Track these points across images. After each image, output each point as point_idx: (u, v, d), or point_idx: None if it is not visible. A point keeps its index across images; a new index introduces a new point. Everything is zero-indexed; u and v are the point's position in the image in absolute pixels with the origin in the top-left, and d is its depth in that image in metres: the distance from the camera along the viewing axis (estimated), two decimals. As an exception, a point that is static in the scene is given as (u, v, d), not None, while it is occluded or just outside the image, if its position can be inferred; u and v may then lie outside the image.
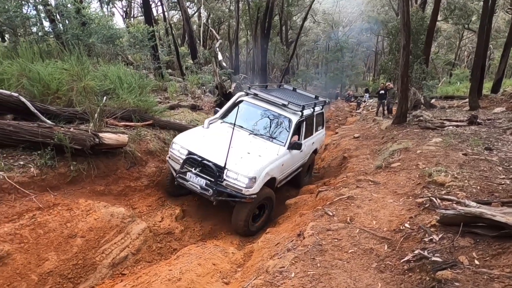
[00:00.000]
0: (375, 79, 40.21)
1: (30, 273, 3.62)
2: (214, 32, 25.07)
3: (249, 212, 5.44)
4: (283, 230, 5.09)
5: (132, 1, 25.83)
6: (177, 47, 18.25)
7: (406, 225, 3.53)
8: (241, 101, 6.87)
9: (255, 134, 6.22)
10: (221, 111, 6.83)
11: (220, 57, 19.24)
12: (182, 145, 5.58)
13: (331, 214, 4.21)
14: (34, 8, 12.44)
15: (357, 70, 41.29)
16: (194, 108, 11.13)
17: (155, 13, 22.72)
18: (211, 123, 6.55)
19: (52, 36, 11.96)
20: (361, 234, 3.53)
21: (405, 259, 2.86)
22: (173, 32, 20.38)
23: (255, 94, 6.88)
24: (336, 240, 3.45)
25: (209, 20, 28.11)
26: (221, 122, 6.61)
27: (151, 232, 5.12)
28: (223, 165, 5.07)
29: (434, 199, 3.86)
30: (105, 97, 6.49)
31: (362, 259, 3.05)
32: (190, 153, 5.43)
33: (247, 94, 7.05)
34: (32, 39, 11.14)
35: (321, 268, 2.93)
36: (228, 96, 12.10)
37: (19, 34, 11.79)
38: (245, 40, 35.67)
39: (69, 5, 11.85)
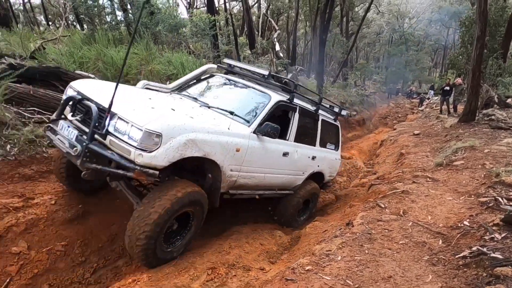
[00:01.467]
0: (442, 75, 37.30)
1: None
2: (273, 22, 25.09)
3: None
4: (331, 219, 5.08)
5: (196, -8, 26.81)
6: (236, 37, 18.62)
7: (465, 222, 3.33)
8: (212, 76, 4.93)
9: (209, 107, 3.98)
10: (176, 82, 4.73)
11: (277, 47, 19.24)
12: (78, 89, 3.44)
13: (383, 206, 4.11)
14: (108, -1, 13.55)
15: (422, 65, 38.58)
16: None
17: (216, 4, 23.35)
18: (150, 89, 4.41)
19: (123, 24, 12.92)
20: (414, 227, 3.41)
21: (461, 254, 2.73)
22: (233, 22, 20.81)
23: (229, 66, 5.06)
24: (386, 230, 3.38)
25: (268, 11, 28.17)
26: (171, 94, 4.50)
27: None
28: (107, 106, 2.92)
29: (500, 198, 3.59)
30: (168, 81, 6.92)
31: (413, 251, 2.97)
32: (78, 94, 3.37)
33: (226, 71, 5.17)
34: (106, 27, 12.17)
35: (369, 255, 2.91)
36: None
37: (95, 22, 12.97)
38: (303, 32, 35.18)
39: None
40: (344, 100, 16.89)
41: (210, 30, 14.00)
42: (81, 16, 12.96)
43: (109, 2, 13.31)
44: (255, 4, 28.90)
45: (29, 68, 5.24)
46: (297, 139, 4.67)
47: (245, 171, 3.82)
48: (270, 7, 28.14)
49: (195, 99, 4.25)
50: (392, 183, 5.28)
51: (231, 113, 3.92)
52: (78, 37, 9.73)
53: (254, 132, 3.81)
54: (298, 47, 34.24)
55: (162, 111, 3.21)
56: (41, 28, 17.94)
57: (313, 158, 5.16)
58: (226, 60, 5.15)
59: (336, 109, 5.77)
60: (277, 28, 23.52)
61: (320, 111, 5.29)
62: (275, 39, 19.80)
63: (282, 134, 4.31)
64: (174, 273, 3.35)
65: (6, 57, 6.09)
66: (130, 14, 12.63)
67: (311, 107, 5.09)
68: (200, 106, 3.97)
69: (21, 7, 23.99)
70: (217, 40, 15.07)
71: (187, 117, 3.25)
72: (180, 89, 4.67)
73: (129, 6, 13.51)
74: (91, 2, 11.47)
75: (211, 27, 14.10)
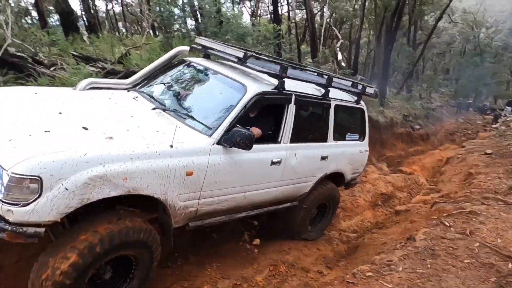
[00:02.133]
0: (522, 90, 33.83)
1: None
2: (336, 31, 24.93)
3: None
4: (390, 232, 5.07)
5: (261, 0, 27.68)
6: (299, 46, 18.89)
7: (540, 249, 3.20)
8: (182, 62, 3.75)
9: (165, 110, 3.02)
10: (139, 74, 3.70)
11: (339, 57, 19.13)
12: None
13: (447, 224, 4.05)
14: (181, 9, 14.76)
15: (499, 78, 35.35)
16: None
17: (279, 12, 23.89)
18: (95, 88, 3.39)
19: (194, 33, 13.92)
20: (481, 248, 3.35)
21: (533, 280, 2.66)
22: (297, 31, 21.13)
23: (204, 48, 3.70)
24: (450, 248, 3.37)
25: (331, 20, 28.04)
26: (129, 91, 3.49)
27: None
28: None
29: None
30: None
31: (479, 271, 2.95)
32: None
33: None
34: (179, 35, 13.24)
35: (431, 269, 2.96)
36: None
37: (168, 30, 14.21)
38: (366, 40, 34.33)
39: (206, 6, 13.59)
40: (408, 113, 16.23)
41: (274, 39, 14.47)
42: (156, 24, 14.28)
43: (180, 12, 14.51)
44: (317, 12, 28.98)
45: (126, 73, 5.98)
46: (297, 139, 3.49)
47: (208, 196, 2.79)
48: (333, 15, 27.98)
49: (152, 98, 3.26)
50: (459, 203, 5.10)
51: (192, 117, 2.90)
52: (155, 43, 10.70)
53: (219, 143, 2.70)
54: (360, 56, 33.52)
55: (50, 138, 2.15)
56: (121, 35, 19.90)
57: (324, 158, 3.90)
58: (199, 40, 3.83)
59: (359, 87, 4.40)
60: (340, 37, 23.34)
61: (332, 95, 3.90)
62: (338, 48, 19.69)
63: (273, 136, 3.38)
64: (240, 265, 3.68)
65: (99, 62, 7.02)
66: (201, 23, 13.59)
67: (316, 93, 3.76)
68: (153, 109, 2.98)
69: (104, 15, 26.78)
70: (280, 49, 15.49)
71: (98, 141, 2.25)
72: (144, 82, 3.63)
73: (199, 16, 14.57)
74: (168, 14, 12.60)
75: (276, 36, 14.57)
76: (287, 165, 3.45)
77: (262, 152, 3.16)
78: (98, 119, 2.59)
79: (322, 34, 26.41)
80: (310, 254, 4.34)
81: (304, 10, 22.80)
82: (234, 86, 3.14)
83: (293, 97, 3.42)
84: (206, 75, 3.50)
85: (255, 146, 2.81)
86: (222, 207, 3.03)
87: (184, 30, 14.10)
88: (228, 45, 3.60)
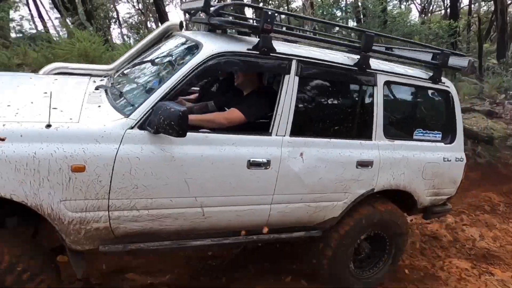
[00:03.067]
0: None
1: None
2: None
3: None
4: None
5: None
6: (480, 44, 15.90)
7: None
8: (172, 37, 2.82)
9: (109, 92, 2.22)
10: (126, 55, 2.96)
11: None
12: None
13: None
14: (344, 11, 14.60)
15: None
16: (490, 114, 9.54)
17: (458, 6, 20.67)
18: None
19: (354, 34, 13.55)
20: None
21: None
22: (480, 27, 17.80)
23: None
24: None
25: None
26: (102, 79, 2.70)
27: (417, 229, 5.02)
28: None
29: None
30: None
31: None
32: None
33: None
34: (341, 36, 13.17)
35: None
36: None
37: (327, 34, 14.39)
38: None
39: (370, 6, 12.89)
40: None
41: (449, 37, 12.59)
42: (316, 27, 14.70)
43: (343, 14, 14.35)
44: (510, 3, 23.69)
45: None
46: (305, 131, 2.34)
47: (127, 207, 1.85)
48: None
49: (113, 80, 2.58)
50: None
51: (121, 94, 2.15)
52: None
53: (142, 128, 1.83)
54: None
55: None
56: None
57: (365, 165, 2.46)
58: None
59: (439, 57, 2.78)
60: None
61: (380, 67, 2.59)
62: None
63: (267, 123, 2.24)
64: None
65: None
66: (363, 23, 13.09)
67: (347, 61, 2.43)
68: (96, 89, 2.30)
69: None
70: (455, 48, 13.37)
71: None
72: (134, 63, 2.82)
73: (362, 16, 14.07)
74: (330, 14, 12.72)
75: (451, 34, 12.64)
76: (285, 170, 2.19)
77: (230, 147, 2.03)
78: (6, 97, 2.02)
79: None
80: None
81: (491, 2, 19.00)
82: (188, 48, 2.30)
83: (294, 63, 2.21)
84: (178, 47, 2.52)
85: (220, 136, 2.04)
86: (163, 227, 2.00)
87: (344, 32, 13.94)
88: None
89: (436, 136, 2.91)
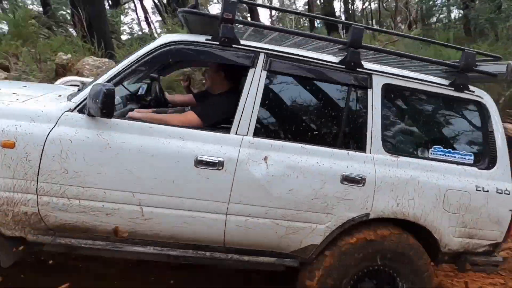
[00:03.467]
0: None
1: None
2: None
3: None
4: None
5: None
6: None
7: None
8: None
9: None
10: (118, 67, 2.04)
11: None
12: None
13: None
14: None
15: None
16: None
17: None
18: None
19: (458, 22, 11.61)
20: None
21: None
22: None
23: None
24: None
25: None
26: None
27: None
28: None
29: None
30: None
31: None
32: None
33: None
34: (439, 26, 11.41)
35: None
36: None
37: (426, 23, 12.58)
38: None
39: None
40: None
41: None
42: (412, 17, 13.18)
43: (445, 1, 12.45)
44: None
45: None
46: (272, 132, 2.12)
47: (56, 193, 1.76)
48: None
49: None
50: None
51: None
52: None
53: (81, 111, 1.79)
54: None
55: None
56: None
57: (353, 181, 2.00)
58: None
59: (461, 59, 2.21)
60: None
61: (379, 68, 2.17)
62: None
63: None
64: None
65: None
66: (471, 11, 11.11)
67: (329, 59, 2.11)
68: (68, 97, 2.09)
69: (359, 14, 26.81)
70: None
71: None
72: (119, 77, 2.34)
73: (470, 1, 12.02)
74: (429, 2, 11.11)
75: None
76: (243, 174, 1.90)
77: (176, 141, 1.86)
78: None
79: None
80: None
81: None
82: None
83: (262, 56, 2.01)
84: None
85: (166, 128, 1.89)
86: (99, 224, 1.85)
87: (446, 21, 12.08)
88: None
89: (464, 158, 2.23)
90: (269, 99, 2.05)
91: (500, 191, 2.19)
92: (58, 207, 1.78)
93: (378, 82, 2.11)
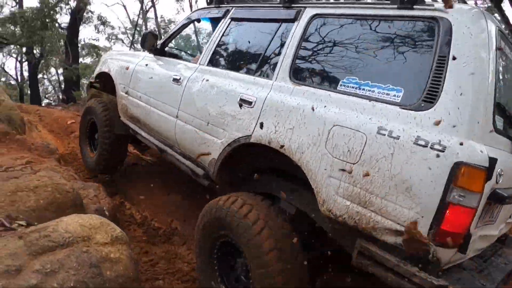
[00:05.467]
0: None
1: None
2: None
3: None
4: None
5: None
6: None
7: None
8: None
9: None
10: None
11: None
12: None
13: None
14: None
15: None
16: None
17: None
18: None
19: None
20: None
21: None
22: None
23: None
24: None
25: None
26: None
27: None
28: None
29: None
30: None
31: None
32: None
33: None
34: None
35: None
36: None
37: None
38: None
39: None
40: None
41: None
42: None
43: None
44: None
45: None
46: (217, 63, 2.59)
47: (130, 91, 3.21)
48: None
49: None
50: None
51: None
52: None
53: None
54: None
55: None
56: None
57: (246, 103, 2.04)
58: None
59: None
60: None
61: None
62: None
63: None
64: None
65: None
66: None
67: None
68: None
69: None
70: None
71: None
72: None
73: None
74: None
75: None
76: (188, 89, 2.52)
77: (163, 65, 3.01)
78: None
79: None
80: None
81: None
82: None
83: (232, 10, 2.61)
84: None
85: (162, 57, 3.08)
86: (136, 114, 3.12)
87: None
88: None
89: (388, 94, 1.59)
90: (224, 38, 2.60)
91: (422, 143, 1.39)
92: (130, 101, 3.27)
93: (307, 14, 2.05)
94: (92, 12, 16.10)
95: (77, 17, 13.90)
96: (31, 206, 2.03)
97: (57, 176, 2.42)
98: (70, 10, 13.91)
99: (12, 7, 15.84)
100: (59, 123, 5.59)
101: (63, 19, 15.24)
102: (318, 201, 1.67)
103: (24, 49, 15.47)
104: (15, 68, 17.90)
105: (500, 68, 1.58)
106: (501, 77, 1.60)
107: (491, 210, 1.62)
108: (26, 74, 18.32)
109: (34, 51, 15.54)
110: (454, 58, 1.44)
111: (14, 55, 19.23)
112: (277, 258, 1.72)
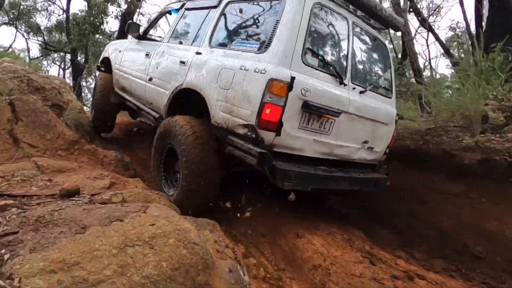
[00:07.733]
0: None
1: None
2: None
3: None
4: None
5: None
6: None
7: None
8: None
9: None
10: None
11: None
12: None
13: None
14: None
15: None
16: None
17: None
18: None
19: None
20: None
21: None
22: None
23: None
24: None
25: None
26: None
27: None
28: None
29: None
30: None
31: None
32: None
33: None
34: None
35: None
36: None
37: None
38: None
39: None
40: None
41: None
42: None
43: None
44: None
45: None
46: (176, 38, 3.82)
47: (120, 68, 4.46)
48: None
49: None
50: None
51: None
52: None
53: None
54: None
55: None
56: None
57: (183, 63, 3.21)
58: None
59: None
60: None
61: None
62: None
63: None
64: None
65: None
66: None
67: None
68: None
69: None
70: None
71: None
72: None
73: None
74: None
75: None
76: (154, 59, 3.69)
77: (145, 46, 4.09)
78: None
79: None
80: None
81: None
82: None
83: (187, 3, 3.80)
84: None
85: (142, 41, 4.24)
86: (124, 84, 4.27)
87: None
88: None
89: (252, 46, 2.70)
90: (182, 19, 3.80)
91: (257, 71, 2.42)
92: (120, 73, 4.49)
93: (224, 1, 3.21)
94: (142, 15, 16.33)
95: (128, 20, 14.40)
96: (151, 275, 1.35)
97: (176, 217, 1.72)
98: (120, 13, 14.06)
99: (58, 15, 16.98)
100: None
101: (111, 24, 15.21)
102: (211, 117, 2.73)
103: (68, 56, 16.93)
104: (58, 75, 19.16)
105: (321, 27, 2.51)
106: (322, 33, 2.54)
107: (319, 121, 2.49)
108: (68, 81, 19.82)
109: (78, 58, 16.23)
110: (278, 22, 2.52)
111: (58, 63, 20.81)
112: (198, 151, 2.70)
